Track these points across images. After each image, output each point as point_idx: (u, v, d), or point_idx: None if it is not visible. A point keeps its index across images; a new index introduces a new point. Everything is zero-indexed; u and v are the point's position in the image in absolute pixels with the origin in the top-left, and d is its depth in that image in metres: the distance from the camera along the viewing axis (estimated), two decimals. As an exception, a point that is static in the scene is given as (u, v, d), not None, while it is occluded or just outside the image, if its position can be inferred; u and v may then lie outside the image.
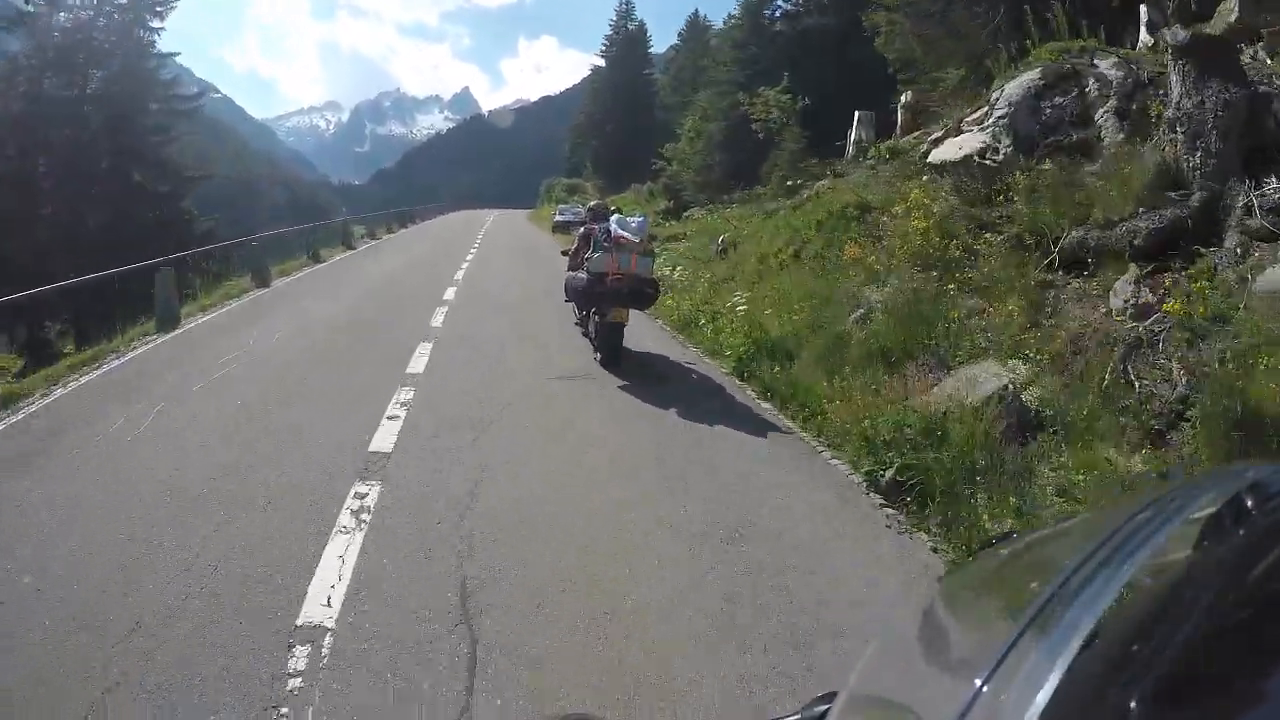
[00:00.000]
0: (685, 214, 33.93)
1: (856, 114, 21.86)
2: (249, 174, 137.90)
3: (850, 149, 21.92)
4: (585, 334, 11.13)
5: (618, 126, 58.69)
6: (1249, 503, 0.66)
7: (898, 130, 21.08)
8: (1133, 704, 0.49)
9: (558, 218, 37.47)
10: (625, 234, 9.59)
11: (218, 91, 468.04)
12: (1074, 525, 1.04)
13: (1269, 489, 0.67)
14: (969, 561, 1.98)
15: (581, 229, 11.26)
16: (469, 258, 25.52)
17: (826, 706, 1.01)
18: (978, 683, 0.57)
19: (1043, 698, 0.51)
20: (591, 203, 14.48)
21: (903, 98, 21.19)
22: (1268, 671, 0.50)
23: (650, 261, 9.98)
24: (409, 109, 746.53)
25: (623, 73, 59.81)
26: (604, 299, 9.57)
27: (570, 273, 10.75)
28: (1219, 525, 0.67)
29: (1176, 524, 0.66)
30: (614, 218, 10.05)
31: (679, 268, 18.74)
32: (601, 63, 64.19)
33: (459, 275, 19.95)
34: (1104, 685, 0.52)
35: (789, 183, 25.96)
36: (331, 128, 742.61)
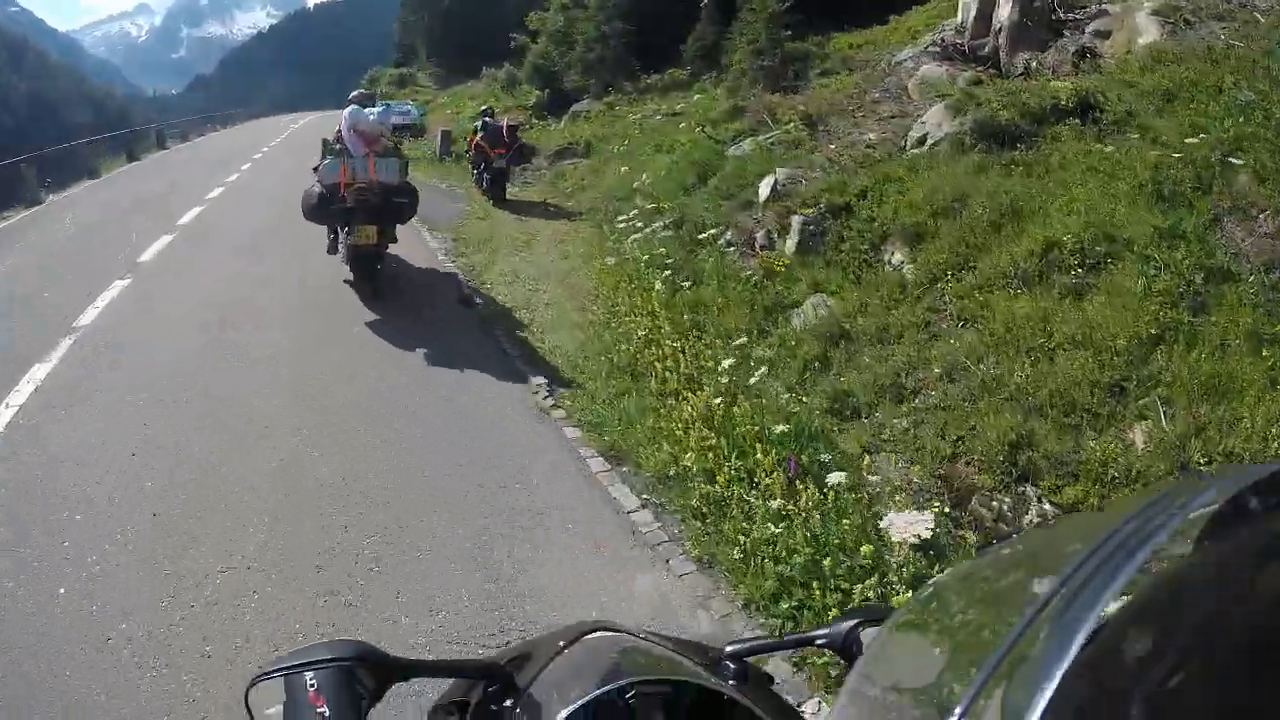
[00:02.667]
0: (573, 109, 22.31)
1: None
2: (46, 92, 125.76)
3: (1009, 12, 10.92)
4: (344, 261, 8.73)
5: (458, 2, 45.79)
6: (1252, 502, 0.65)
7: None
8: (1134, 705, 0.49)
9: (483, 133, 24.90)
10: (359, 130, 8.36)
11: (14, 4, 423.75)
12: (1074, 525, 1.17)
13: (1272, 487, 0.65)
14: (968, 560, 1.66)
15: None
16: (185, 221, 14.02)
17: (851, 622, 1.25)
18: (977, 684, 0.57)
19: (1042, 698, 0.50)
20: (354, 93, 9.49)
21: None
22: (1270, 673, 0.48)
23: (396, 164, 8.44)
24: (228, 7, 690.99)
25: (459, -74, 46.10)
26: (345, 217, 7.98)
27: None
28: (1221, 524, 0.66)
29: (1177, 523, 0.63)
30: (348, 110, 8.66)
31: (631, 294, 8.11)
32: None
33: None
34: (1105, 686, 0.52)
35: (764, 63, 14.96)
36: (144, 34, 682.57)
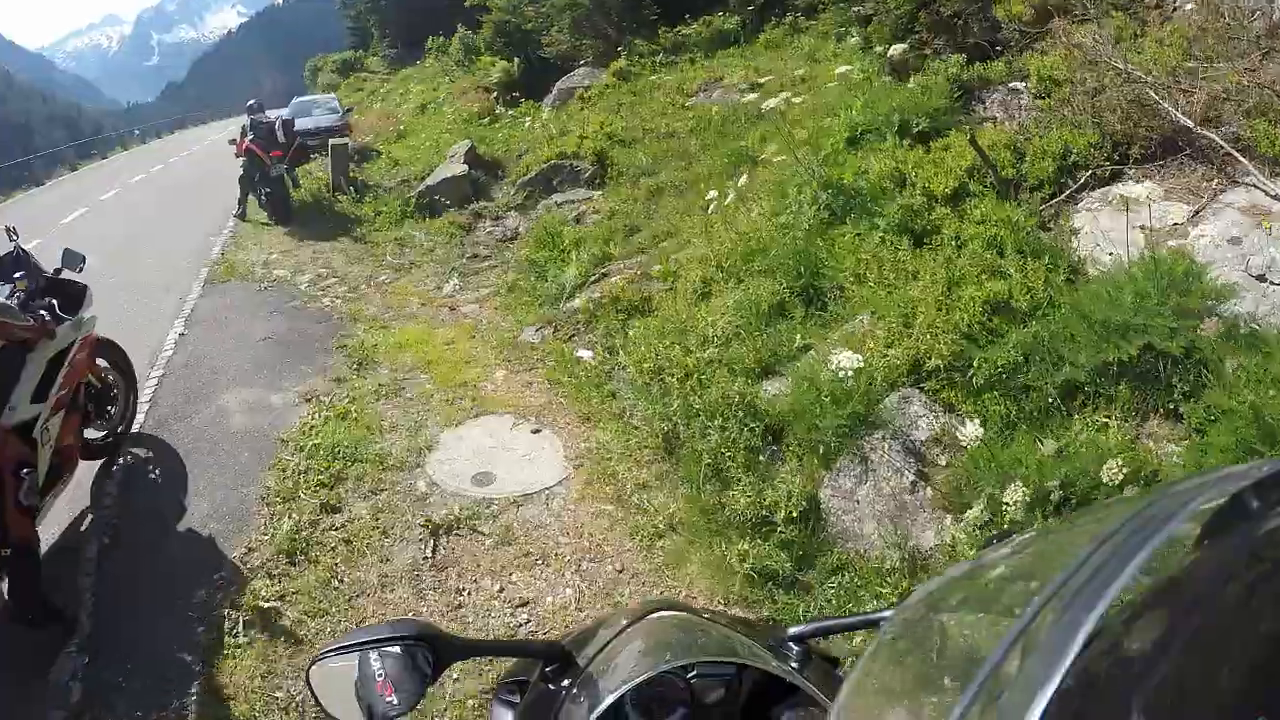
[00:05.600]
0: (561, 85, 13.74)
1: None
2: (14, 115, 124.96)
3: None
4: None
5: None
6: (1252, 502, 0.64)
7: None
8: (1135, 704, 0.48)
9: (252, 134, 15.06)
10: None
11: None
12: (1075, 524, 1.06)
13: (1272, 487, 0.64)
14: (969, 560, 1.13)
15: None
16: None
17: None
18: (978, 682, 0.56)
19: (1043, 698, 0.49)
20: None
21: None
22: (1271, 671, 0.48)
23: None
24: (197, 10, 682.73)
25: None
26: None
27: None
28: (1221, 523, 0.65)
29: (1179, 522, 0.62)
30: None
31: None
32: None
33: None
34: (1105, 685, 0.52)
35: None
36: (115, 44, 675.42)
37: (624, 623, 1.31)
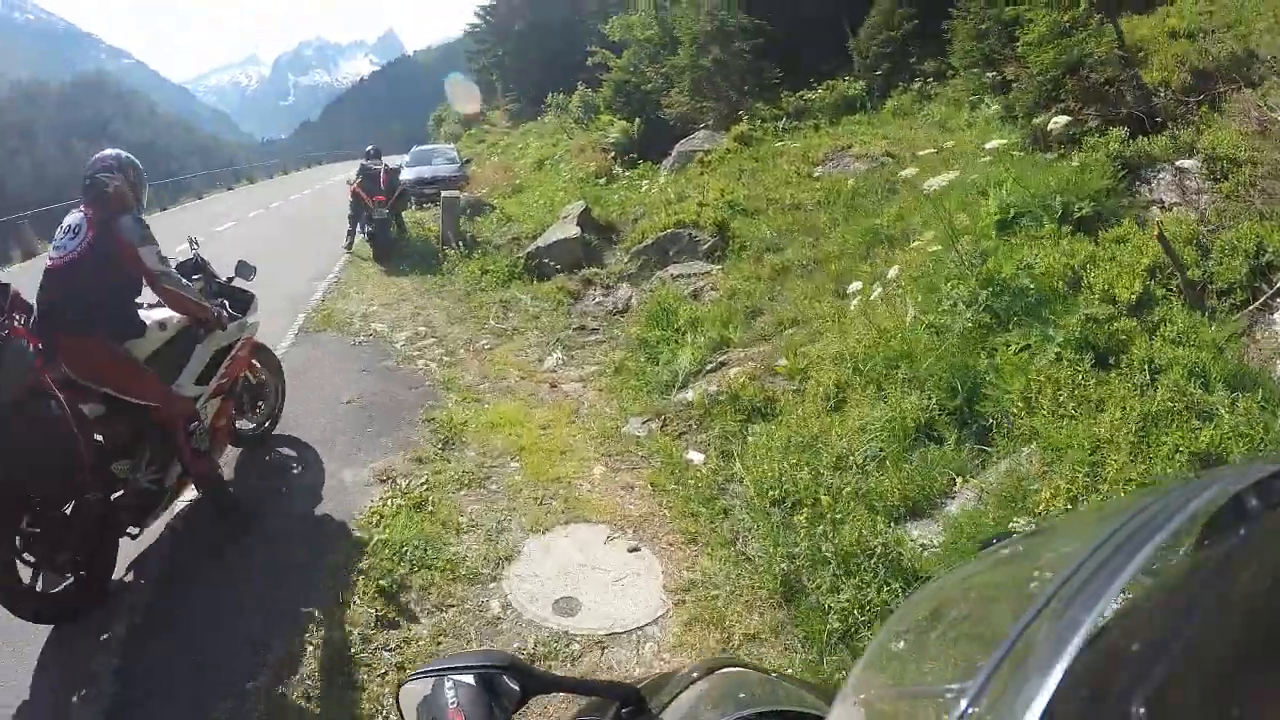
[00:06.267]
0: (680, 148, 13.50)
1: None
2: (156, 141, 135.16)
3: None
4: None
5: (532, 24, 37.68)
6: (1252, 502, 0.64)
7: None
8: (1134, 705, 0.47)
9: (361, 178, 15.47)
10: None
11: (129, 57, 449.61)
12: (1074, 524, 1.07)
13: (1272, 487, 0.64)
14: (968, 560, 1.54)
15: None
16: None
17: None
18: (977, 683, 0.55)
19: (1043, 699, 0.49)
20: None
21: None
22: (1270, 672, 0.47)
23: None
24: (332, 56, 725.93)
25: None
26: None
27: None
28: (1221, 524, 0.64)
29: (1178, 523, 0.62)
30: None
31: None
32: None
33: None
34: (1105, 686, 0.51)
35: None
36: (253, 83, 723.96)
37: (694, 675, 1.31)
